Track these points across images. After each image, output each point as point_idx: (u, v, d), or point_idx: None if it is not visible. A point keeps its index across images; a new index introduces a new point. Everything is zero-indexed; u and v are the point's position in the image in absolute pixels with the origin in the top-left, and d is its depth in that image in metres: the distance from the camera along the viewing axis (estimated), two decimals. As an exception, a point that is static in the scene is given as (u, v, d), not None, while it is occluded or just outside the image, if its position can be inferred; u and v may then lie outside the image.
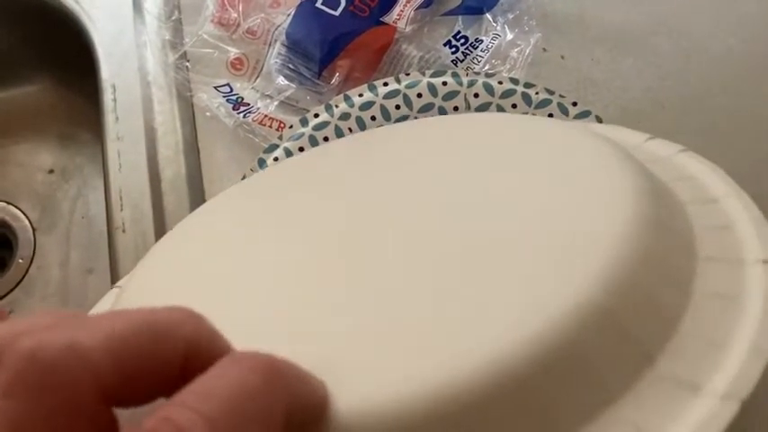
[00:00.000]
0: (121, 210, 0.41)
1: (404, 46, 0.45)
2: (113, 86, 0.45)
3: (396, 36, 0.44)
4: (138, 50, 0.46)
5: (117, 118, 0.44)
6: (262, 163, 0.38)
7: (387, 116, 0.39)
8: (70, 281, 0.54)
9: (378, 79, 0.41)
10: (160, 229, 0.41)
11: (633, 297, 0.20)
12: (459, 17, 0.46)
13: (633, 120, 0.42)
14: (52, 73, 0.58)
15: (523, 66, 0.44)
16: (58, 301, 0.54)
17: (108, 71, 0.46)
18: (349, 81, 0.44)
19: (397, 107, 0.39)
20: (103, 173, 0.43)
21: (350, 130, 0.39)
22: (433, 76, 0.40)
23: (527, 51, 0.45)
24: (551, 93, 0.39)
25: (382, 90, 0.40)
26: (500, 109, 0.39)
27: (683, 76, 0.45)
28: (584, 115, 0.38)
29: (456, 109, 0.39)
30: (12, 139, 0.58)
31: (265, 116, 0.43)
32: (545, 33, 0.46)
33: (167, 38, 0.46)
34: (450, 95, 0.39)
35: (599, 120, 0.38)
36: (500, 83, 0.39)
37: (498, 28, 0.46)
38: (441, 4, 0.47)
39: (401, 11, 0.45)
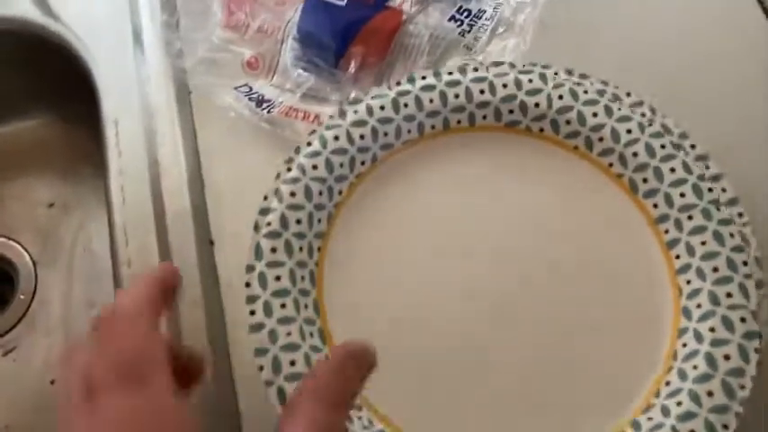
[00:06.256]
0: (126, 245, 0.41)
1: (411, 27, 0.46)
2: (115, 121, 0.45)
3: (402, 18, 0.46)
4: (139, 84, 0.46)
5: (120, 153, 0.44)
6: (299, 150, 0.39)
7: (470, 98, 0.41)
8: (72, 315, 0.54)
9: (389, 62, 0.45)
10: (166, 265, 0.40)
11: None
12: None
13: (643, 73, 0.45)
14: (53, 107, 0.58)
15: (531, 30, 0.46)
16: (61, 336, 0.53)
17: (110, 106, 0.46)
18: (364, 66, 0.45)
19: (482, 92, 0.41)
20: (107, 208, 0.43)
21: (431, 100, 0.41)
22: (521, 72, 0.41)
23: (535, 15, 0.46)
24: (633, 112, 0.40)
25: (471, 74, 0.41)
26: (580, 115, 0.40)
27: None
28: (658, 135, 0.39)
29: (537, 105, 0.40)
30: (12, 173, 0.58)
31: (290, 108, 0.44)
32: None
33: (179, 46, 0.46)
34: (534, 92, 0.41)
35: (674, 144, 0.39)
36: (585, 92, 0.41)
37: None
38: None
39: None
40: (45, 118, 0.58)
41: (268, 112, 0.43)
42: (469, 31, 0.46)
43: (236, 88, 0.45)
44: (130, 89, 0.46)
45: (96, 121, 0.46)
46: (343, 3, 0.46)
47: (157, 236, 0.41)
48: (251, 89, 0.45)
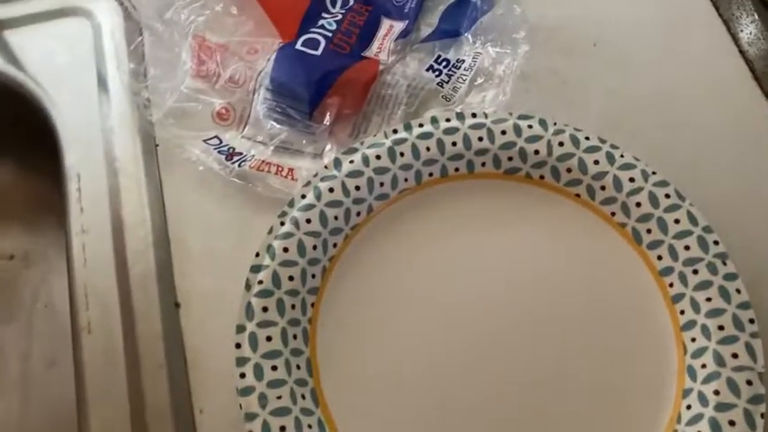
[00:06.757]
0: (87, 309, 0.39)
1: (388, 77, 0.44)
2: (78, 175, 0.43)
3: (380, 68, 0.44)
4: (104, 135, 0.44)
5: (82, 209, 0.41)
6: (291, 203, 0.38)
7: (468, 146, 0.40)
8: (32, 374, 0.51)
9: (366, 114, 0.43)
10: (129, 330, 0.38)
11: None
12: (437, 42, 0.46)
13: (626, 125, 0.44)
14: (15, 156, 0.55)
15: (510, 80, 0.44)
16: (18, 397, 0.50)
17: (72, 159, 0.44)
18: (339, 118, 0.43)
19: (480, 139, 0.40)
20: (67, 268, 0.40)
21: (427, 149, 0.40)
22: (519, 118, 0.40)
23: (514, 65, 0.45)
24: (637, 159, 0.39)
25: (469, 121, 0.40)
26: (581, 162, 0.39)
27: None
28: (662, 184, 0.38)
29: (537, 153, 0.40)
30: (-31, 223, 0.55)
31: (263, 161, 0.42)
32: (533, 47, 0.45)
33: (146, 96, 0.44)
34: (534, 139, 0.40)
35: (679, 194, 0.38)
36: (587, 138, 0.39)
37: (478, 46, 0.46)
38: (419, 31, 0.47)
39: (381, 44, 0.46)
40: (6, 167, 0.56)
41: (239, 165, 0.42)
42: (448, 82, 0.45)
43: (204, 141, 0.43)
44: (94, 141, 0.44)
45: (60, 172, 0.44)
46: (318, 52, 0.44)
47: (120, 298, 0.39)
48: (221, 141, 0.43)
